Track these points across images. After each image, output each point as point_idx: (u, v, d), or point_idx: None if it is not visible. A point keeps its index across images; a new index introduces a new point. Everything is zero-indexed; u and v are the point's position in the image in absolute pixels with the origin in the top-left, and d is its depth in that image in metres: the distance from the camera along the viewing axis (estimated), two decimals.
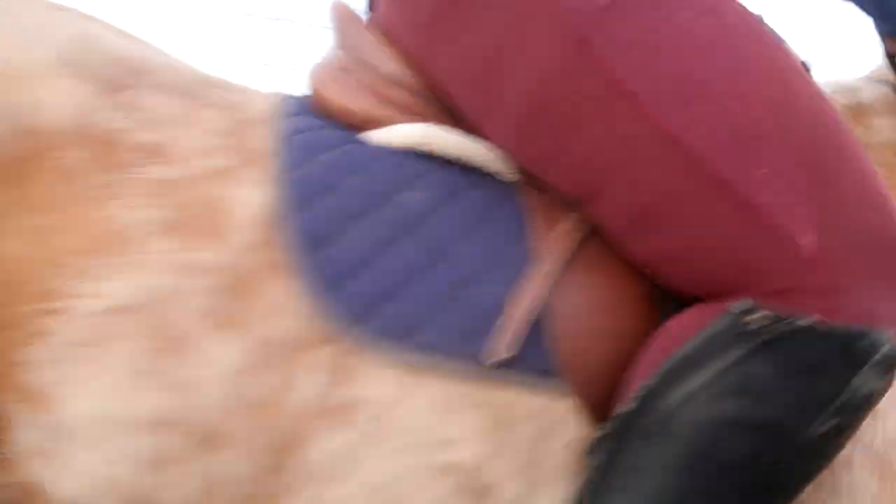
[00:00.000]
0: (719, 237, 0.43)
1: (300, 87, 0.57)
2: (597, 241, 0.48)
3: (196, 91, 0.50)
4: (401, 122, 0.51)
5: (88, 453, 0.43)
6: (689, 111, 0.43)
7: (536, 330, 0.46)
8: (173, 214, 0.45)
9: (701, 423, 0.42)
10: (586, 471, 0.45)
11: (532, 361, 0.46)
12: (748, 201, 0.42)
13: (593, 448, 0.45)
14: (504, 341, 0.45)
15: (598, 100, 0.44)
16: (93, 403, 0.43)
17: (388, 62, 0.53)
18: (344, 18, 0.56)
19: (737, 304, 0.41)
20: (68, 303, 0.43)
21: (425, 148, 0.50)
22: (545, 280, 0.47)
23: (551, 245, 0.48)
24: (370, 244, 0.46)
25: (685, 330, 0.44)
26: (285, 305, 0.44)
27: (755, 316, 0.41)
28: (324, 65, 0.55)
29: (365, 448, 0.44)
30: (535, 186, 0.50)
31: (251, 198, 0.46)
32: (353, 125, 0.51)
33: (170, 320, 0.43)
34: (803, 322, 0.40)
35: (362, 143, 0.50)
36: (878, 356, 0.40)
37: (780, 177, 0.42)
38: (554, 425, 0.46)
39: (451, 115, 0.51)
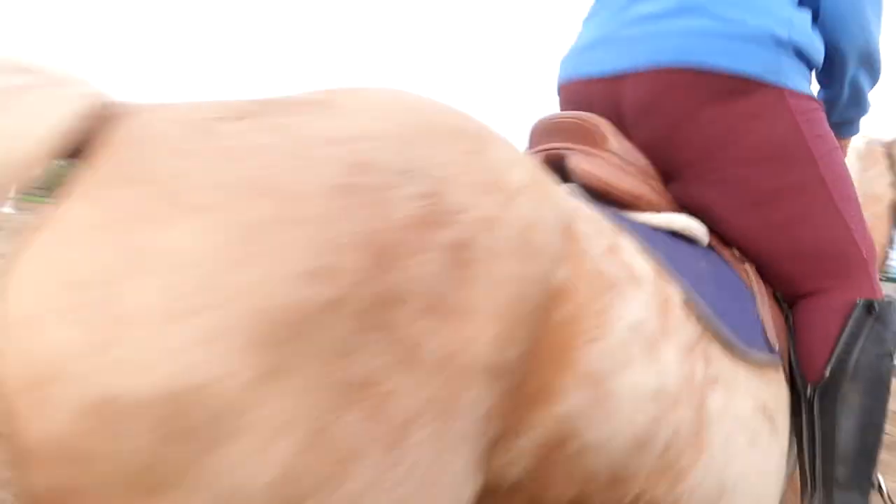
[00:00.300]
0: (845, 254, 1.02)
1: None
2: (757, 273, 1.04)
3: None
4: (657, 204, 0.98)
5: (622, 413, 0.71)
6: (844, 191, 1.02)
7: (764, 331, 0.96)
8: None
9: (871, 364, 0.94)
10: (810, 412, 0.95)
11: (772, 349, 0.95)
12: (854, 238, 1.02)
13: (819, 393, 0.94)
14: (770, 339, 0.94)
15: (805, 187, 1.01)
16: (634, 381, 0.72)
17: (642, 160, 1.01)
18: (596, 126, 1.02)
19: (861, 301, 0.96)
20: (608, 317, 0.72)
21: (687, 233, 0.96)
22: (764, 305, 0.98)
23: (754, 284, 1.00)
24: (702, 284, 0.88)
25: (832, 316, 0.97)
26: (684, 317, 0.81)
27: (871, 303, 0.96)
28: (588, 155, 0.97)
29: (725, 402, 0.82)
30: (721, 245, 1.02)
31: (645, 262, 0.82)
32: (621, 202, 0.95)
33: (647, 332, 0.75)
34: (886, 302, 0.98)
35: (635, 221, 0.91)
36: None
37: (857, 223, 1.03)
38: (780, 382, 0.95)
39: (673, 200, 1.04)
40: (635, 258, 0.79)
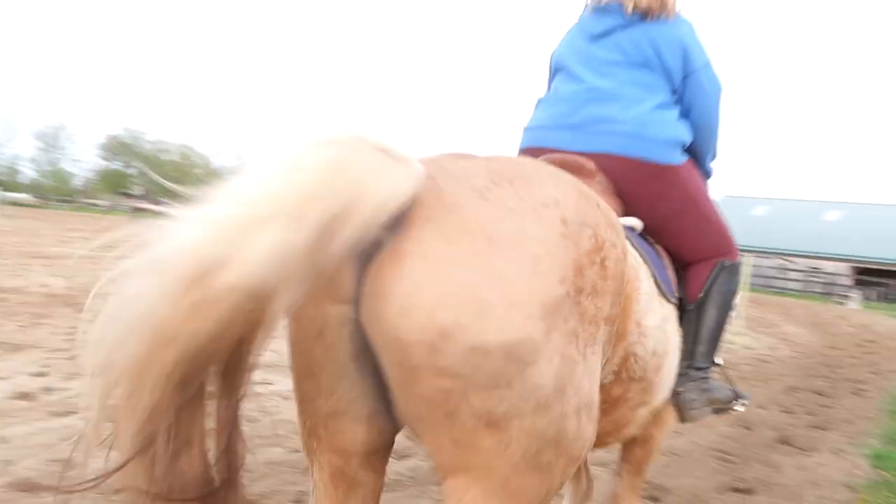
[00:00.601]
0: (715, 235, 2.09)
1: None
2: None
3: None
4: (621, 214, 1.93)
5: (648, 339, 1.64)
6: (712, 210, 2.10)
7: (671, 283, 1.94)
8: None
9: (722, 295, 2.01)
10: (689, 318, 1.98)
11: (673, 293, 1.91)
12: (722, 233, 2.11)
13: (695, 308, 1.99)
14: (673, 288, 1.94)
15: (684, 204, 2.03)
16: (651, 322, 1.65)
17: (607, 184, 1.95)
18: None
19: (721, 261, 2.04)
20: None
21: (638, 228, 1.92)
22: (670, 268, 2.00)
23: (664, 257, 2.01)
24: (651, 259, 1.82)
25: (705, 270, 2.03)
26: (654, 282, 1.78)
27: (727, 262, 2.05)
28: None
29: (667, 320, 1.81)
30: (644, 234, 1.97)
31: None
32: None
33: (651, 295, 1.71)
34: (736, 262, 2.08)
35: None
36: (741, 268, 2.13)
37: (720, 225, 2.12)
38: (674, 308, 1.89)
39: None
40: (635, 253, 1.67)
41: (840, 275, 38.76)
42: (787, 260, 38.15)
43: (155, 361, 0.92)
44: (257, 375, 4.39)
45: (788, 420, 5.46)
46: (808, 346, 11.02)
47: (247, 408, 4.05)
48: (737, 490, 3.60)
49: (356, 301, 1.09)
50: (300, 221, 0.92)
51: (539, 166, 1.34)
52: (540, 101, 2.14)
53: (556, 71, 2.14)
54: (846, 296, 31.48)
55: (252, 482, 3.03)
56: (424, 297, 1.03)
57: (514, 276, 1.08)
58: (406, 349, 1.04)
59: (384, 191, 1.01)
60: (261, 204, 0.93)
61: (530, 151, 2.00)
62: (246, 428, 3.98)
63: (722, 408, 2.11)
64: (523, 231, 1.12)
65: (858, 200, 49.81)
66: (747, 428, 5.01)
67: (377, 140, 1.06)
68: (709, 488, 3.56)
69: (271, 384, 4.77)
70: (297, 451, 3.49)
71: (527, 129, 2.09)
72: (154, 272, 0.91)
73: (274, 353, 6.19)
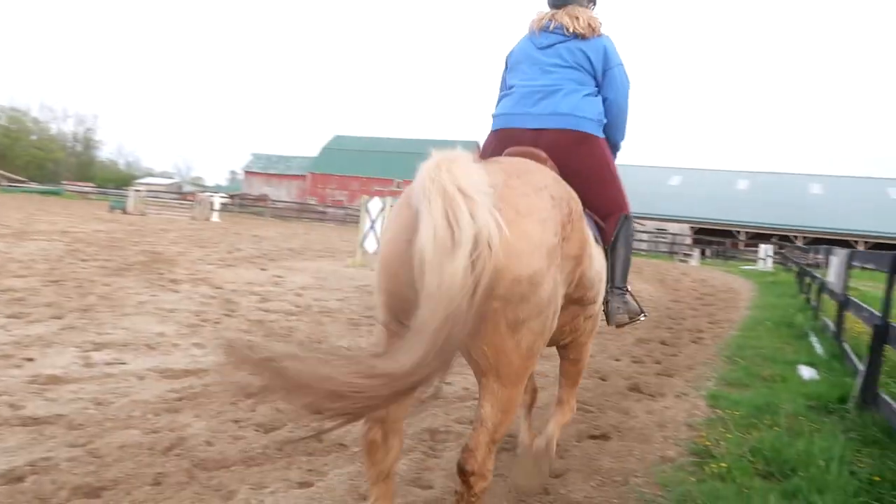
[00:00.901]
0: (611, 192, 2.84)
1: None
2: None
3: None
4: None
5: (595, 268, 2.53)
6: (617, 177, 2.91)
7: (598, 231, 2.73)
8: None
9: (626, 238, 2.82)
10: (607, 255, 2.78)
11: (599, 241, 2.72)
12: (622, 194, 2.88)
13: (610, 247, 2.78)
14: (598, 237, 2.74)
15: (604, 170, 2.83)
16: (599, 259, 2.63)
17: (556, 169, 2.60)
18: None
19: (623, 214, 2.81)
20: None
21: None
22: (593, 222, 2.70)
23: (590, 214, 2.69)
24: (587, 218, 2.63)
25: (613, 221, 2.79)
26: (592, 234, 2.67)
27: (626, 215, 2.83)
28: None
29: (600, 256, 2.74)
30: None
31: None
32: None
33: (597, 244, 2.67)
34: (630, 214, 2.86)
35: None
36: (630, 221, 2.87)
37: (621, 189, 2.88)
38: (601, 249, 2.73)
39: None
40: (585, 216, 2.40)
41: (682, 235, 42.25)
42: (637, 222, 40.97)
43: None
44: (108, 355, 4.09)
45: (638, 369, 5.90)
46: (655, 300, 11.93)
47: (95, 390, 3.75)
48: (593, 437, 3.85)
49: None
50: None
51: (531, 164, 2.25)
52: (502, 95, 2.96)
53: (510, 68, 2.98)
54: (688, 254, 34.37)
55: (104, 468, 2.83)
56: (517, 244, 1.84)
57: (533, 233, 1.89)
58: (480, 284, 1.66)
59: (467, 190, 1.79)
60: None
61: (502, 131, 2.82)
62: (96, 411, 3.70)
63: (633, 317, 2.87)
64: (533, 205, 1.96)
65: (696, 166, 54.21)
66: (602, 378, 5.36)
67: (462, 158, 1.82)
68: (568, 437, 3.77)
69: (124, 364, 4.46)
70: (155, 432, 3.29)
71: (496, 116, 2.90)
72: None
73: (126, 330, 5.82)
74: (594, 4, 3.02)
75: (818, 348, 6.95)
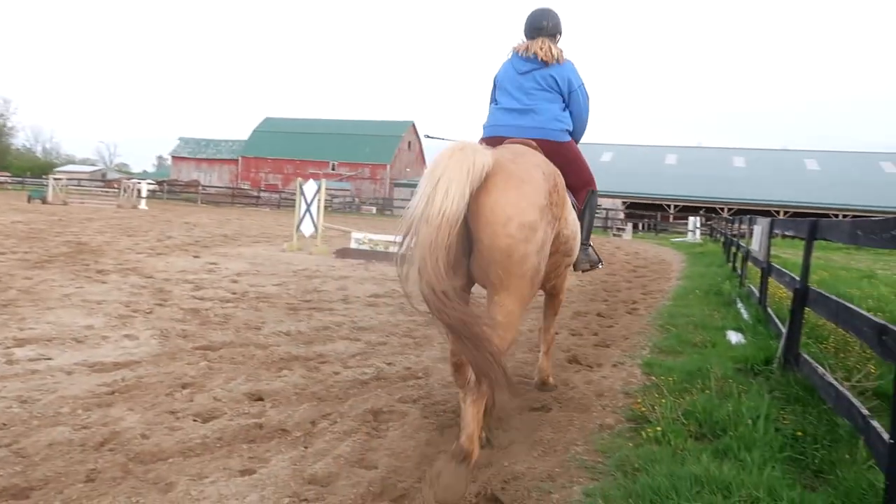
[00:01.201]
0: (585, 174, 3.99)
1: None
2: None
3: None
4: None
5: (570, 227, 3.56)
6: (586, 163, 4.06)
7: (575, 202, 3.90)
8: None
9: (591, 207, 4.07)
10: (581, 216, 3.90)
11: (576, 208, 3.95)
12: (590, 175, 4.04)
13: (582, 210, 3.97)
14: (576, 205, 3.92)
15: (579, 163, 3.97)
16: (573, 219, 3.69)
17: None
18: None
19: (590, 189, 4.04)
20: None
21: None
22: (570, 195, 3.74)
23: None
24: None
25: (583, 194, 4.00)
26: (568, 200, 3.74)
27: (593, 190, 4.07)
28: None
29: (574, 216, 3.85)
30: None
31: None
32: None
33: (572, 209, 3.74)
34: (595, 189, 4.12)
35: None
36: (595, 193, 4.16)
37: (590, 171, 4.06)
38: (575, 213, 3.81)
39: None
40: (565, 188, 3.37)
41: (615, 210, 43.31)
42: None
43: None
44: (32, 351, 3.91)
45: (577, 341, 6.05)
46: (590, 274, 12.21)
47: (19, 388, 3.59)
48: (535, 409, 3.92)
49: (468, 209, 2.64)
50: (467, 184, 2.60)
51: (526, 149, 3.28)
52: (492, 110, 3.91)
53: (497, 87, 3.93)
54: (621, 228, 35.27)
55: (32, 467, 2.71)
56: (500, 204, 2.72)
57: (531, 195, 2.81)
58: (493, 226, 2.71)
59: (483, 165, 2.69)
60: (450, 182, 2.55)
61: (493, 138, 3.69)
62: (21, 409, 3.54)
63: (594, 265, 4.13)
64: (532, 176, 2.90)
65: (626, 142, 55.49)
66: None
67: (477, 144, 2.82)
68: (510, 410, 3.83)
69: (50, 359, 4.26)
70: (86, 427, 3.17)
71: (487, 126, 3.85)
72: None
73: (51, 325, 5.58)
74: (560, 35, 3.97)
75: (744, 314, 7.26)
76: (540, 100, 3.72)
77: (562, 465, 3.06)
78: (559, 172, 3.20)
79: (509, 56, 3.88)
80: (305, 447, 3.14)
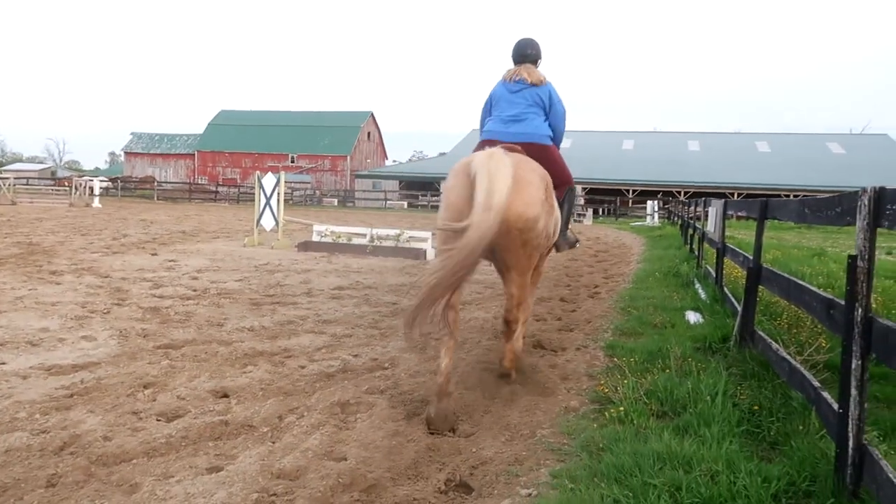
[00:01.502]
0: (565, 174, 4.75)
1: None
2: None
3: None
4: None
5: (557, 218, 4.65)
6: (563, 162, 4.87)
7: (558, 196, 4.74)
8: None
9: (570, 200, 4.90)
10: (560, 206, 4.59)
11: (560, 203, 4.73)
12: (568, 174, 4.85)
13: (560, 202, 4.61)
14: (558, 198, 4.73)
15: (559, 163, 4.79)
16: (557, 214, 4.64)
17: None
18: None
19: (569, 186, 4.86)
20: None
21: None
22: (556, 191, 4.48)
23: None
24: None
25: (562, 190, 4.70)
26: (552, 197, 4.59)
27: (571, 187, 4.90)
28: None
29: (556, 207, 4.59)
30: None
31: None
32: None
33: (557, 205, 4.59)
34: (574, 186, 5.02)
35: None
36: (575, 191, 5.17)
37: (567, 170, 4.88)
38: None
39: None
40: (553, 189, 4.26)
41: (576, 195, 43.70)
42: None
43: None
44: None
45: (541, 326, 6.12)
46: (554, 259, 12.35)
47: None
48: (501, 395, 3.97)
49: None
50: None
51: (521, 156, 3.97)
52: (487, 119, 4.76)
53: (493, 102, 4.77)
54: (582, 214, 35.68)
55: None
56: (512, 203, 3.50)
57: (534, 193, 3.76)
58: (508, 221, 3.52)
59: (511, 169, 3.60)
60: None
61: (490, 141, 4.35)
62: None
63: (571, 245, 4.97)
64: (533, 178, 3.84)
65: (583, 128, 56.05)
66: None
67: (500, 151, 3.71)
68: (477, 398, 3.87)
69: (3, 364, 4.15)
70: (45, 432, 3.10)
71: (485, 131, 4.69)
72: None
73: (3, 329, 5.43)
74: (541, 60, 4.88)
75: (702, 294, 7.44)
76: (528, 113, 4.63)
77: (529, 449, 3.11)
78: (548, 174, 4.10)
79: (502, 78, 4.83)
80: (273, 442, 3.12)
